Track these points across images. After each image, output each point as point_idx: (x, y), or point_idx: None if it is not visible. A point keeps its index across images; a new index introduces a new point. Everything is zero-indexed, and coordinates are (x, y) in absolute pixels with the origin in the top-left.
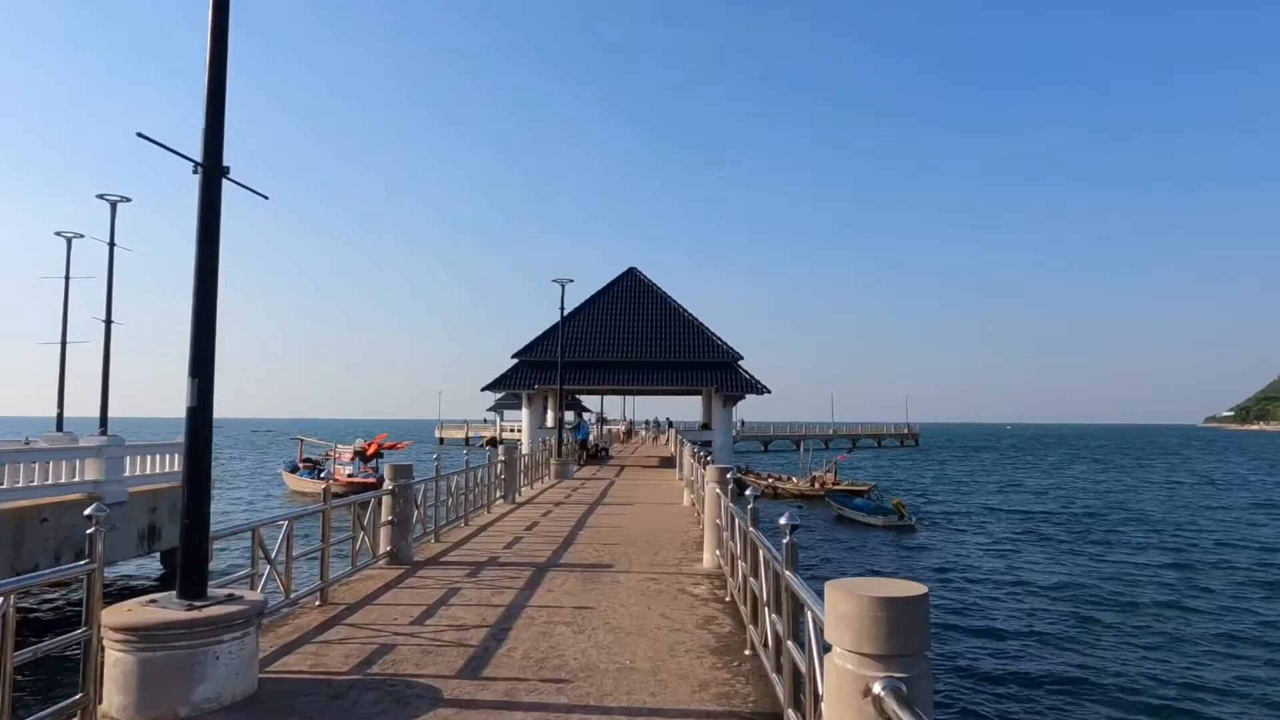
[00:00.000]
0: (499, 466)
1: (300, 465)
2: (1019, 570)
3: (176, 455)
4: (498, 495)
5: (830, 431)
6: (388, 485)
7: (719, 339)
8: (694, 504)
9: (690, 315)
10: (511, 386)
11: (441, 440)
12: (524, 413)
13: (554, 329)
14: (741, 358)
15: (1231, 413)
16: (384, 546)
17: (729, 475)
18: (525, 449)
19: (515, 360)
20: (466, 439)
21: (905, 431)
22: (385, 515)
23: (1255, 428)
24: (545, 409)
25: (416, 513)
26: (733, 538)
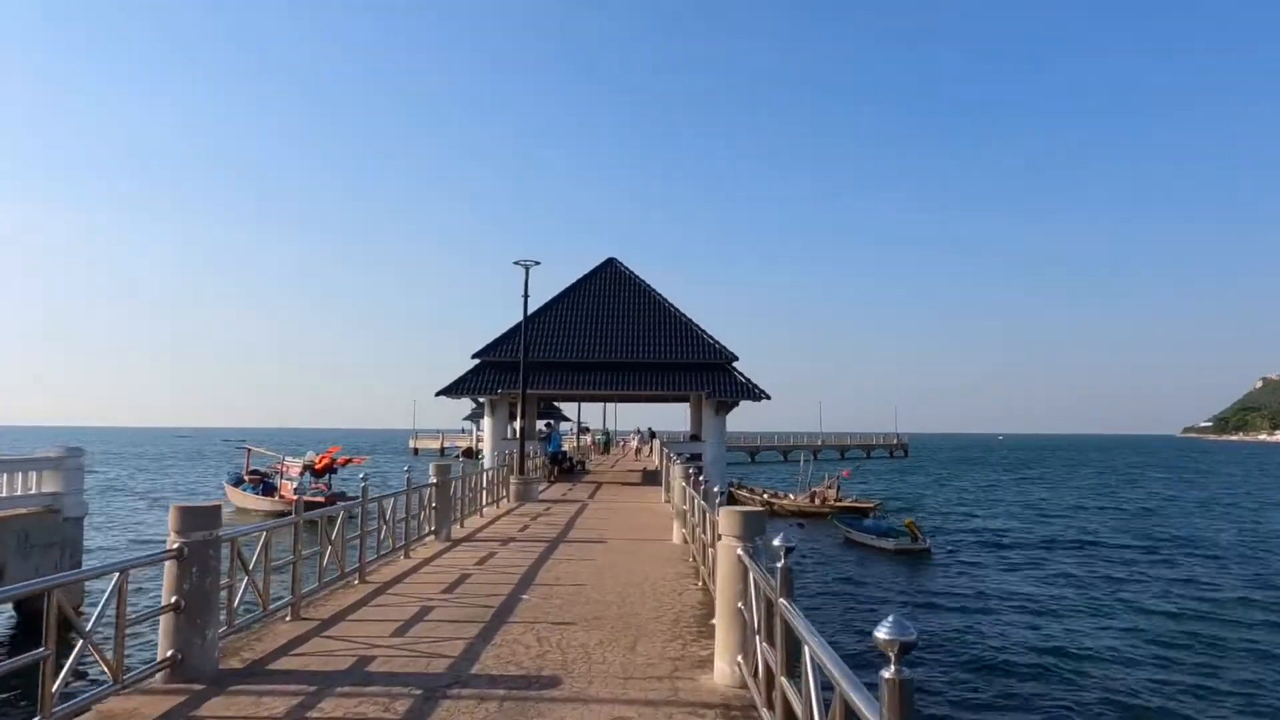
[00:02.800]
0: (430, 493)
1: (247, 478)
2: (1053, 601)
3: (33, 473)
4: (427, 531)
5: (819, 441)
6: (172, 542)
7: (710, 338)
8: (687, 540)
9: (678, 311)
10: (471, 391)
11: (416, 451)
12: (486, 422)
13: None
14: (736, 358)
15: (1210, 423)
16: (166, 648)
17: (779, 544)
18: (487, 463)
19: (476, 361)
20: (442, 449)
21: (895, 442)
22: (167, 594)
23: (1235, 438)
24: (512, 417)
25: (245, 582)
26: (788, 674)
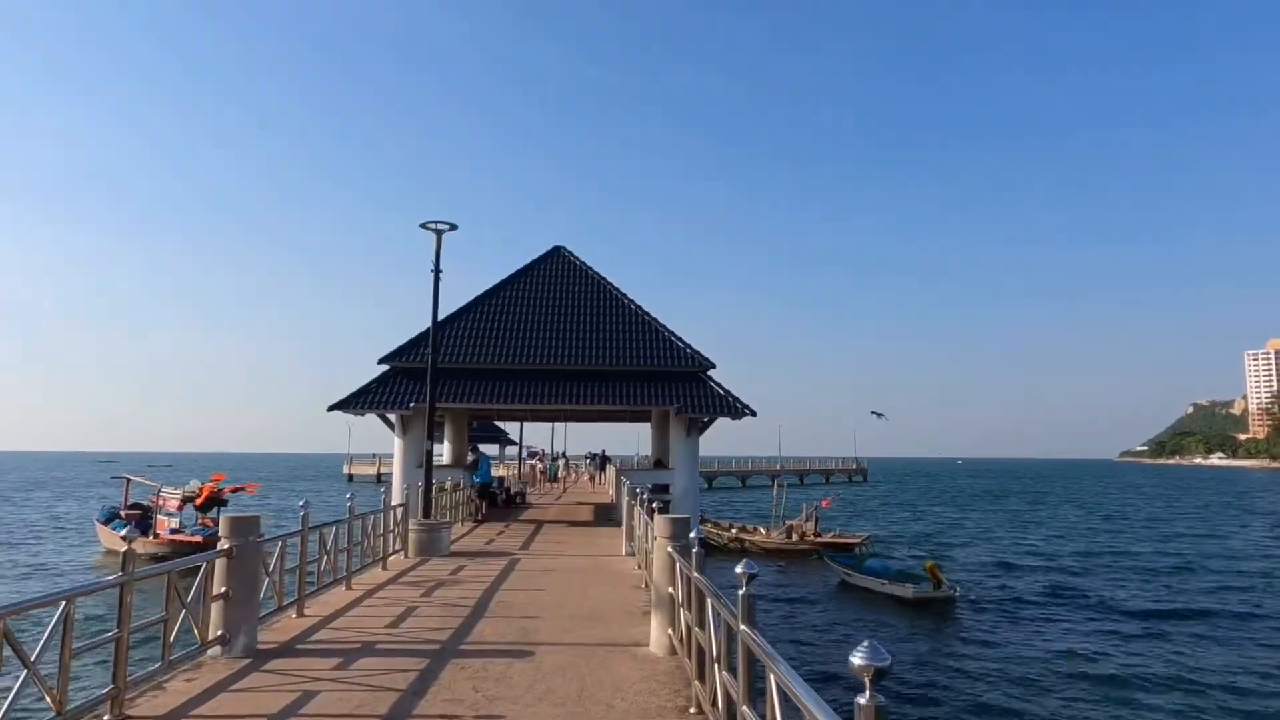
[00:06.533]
0: (213, 569)
1: (123, 514)
2: (1125, 660)
3: None
4: (208, 640)
5: (777, 466)
6: None
7: (680, 340)
8: (678, 646)
9: (637, 307)
10: (376, 405)
11: (351, 477)
12: (396, 445)
13: (445, 320)
14: (713, 366)
15: (1145, 447)
16: None
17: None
18: (397, 497)
19: (385, 368)
20: (379, 475)
21: (854, 466)
22: None
23: (1171, 462)
24: (437, 437)
25: None
26: None
